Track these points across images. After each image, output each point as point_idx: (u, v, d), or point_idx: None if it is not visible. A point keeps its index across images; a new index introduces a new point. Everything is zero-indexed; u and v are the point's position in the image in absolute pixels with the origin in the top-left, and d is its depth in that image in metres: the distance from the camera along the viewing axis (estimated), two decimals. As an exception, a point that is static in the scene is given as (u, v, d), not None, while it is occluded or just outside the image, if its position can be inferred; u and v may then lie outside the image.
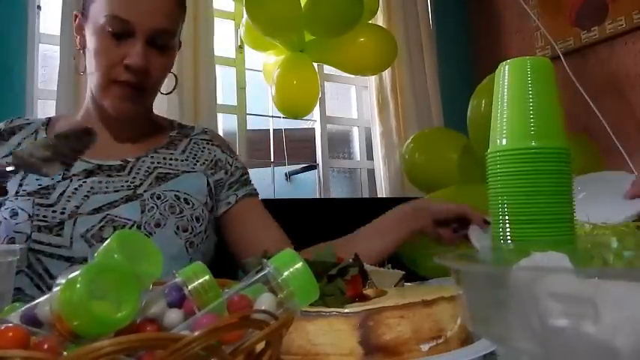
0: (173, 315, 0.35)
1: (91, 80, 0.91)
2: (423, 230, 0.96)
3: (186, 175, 0.97)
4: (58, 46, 1.64)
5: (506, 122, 0.60)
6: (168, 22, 0.89)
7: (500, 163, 0.59)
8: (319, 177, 2.36)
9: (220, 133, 2.01)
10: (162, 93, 1.01)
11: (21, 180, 0.89)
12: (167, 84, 0.99)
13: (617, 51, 2.19)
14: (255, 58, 2.16)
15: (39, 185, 0.88)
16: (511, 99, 0.60)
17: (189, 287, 0.36)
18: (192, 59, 1.84)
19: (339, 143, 2.52)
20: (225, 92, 2.13)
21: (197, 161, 1.01)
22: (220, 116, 2.03)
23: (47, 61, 1.81)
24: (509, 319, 0.27)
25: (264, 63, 2.03)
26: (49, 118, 1.00)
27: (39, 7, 1.78)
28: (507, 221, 0.59)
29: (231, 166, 1.05)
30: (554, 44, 2.13)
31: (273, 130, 2.37)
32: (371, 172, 2.45)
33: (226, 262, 0.99)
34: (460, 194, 1.56)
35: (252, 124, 2.22)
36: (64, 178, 0.89)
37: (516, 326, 0.27)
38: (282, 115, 2.02)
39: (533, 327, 0.25)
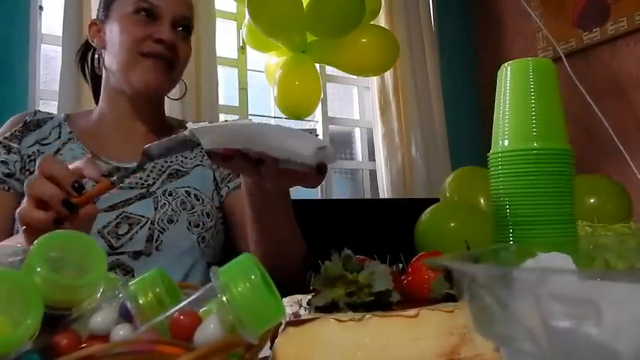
0: (121, 332, 0.33)
1: (117, 62, 0.93)
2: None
3: (195, 170, 1.00)
4: (60, 47, 1.64)
5: (508, 123, 0.60)
6: (189, 11, 0.98)
7: (502, 164, 0.60)
8: (321, 178, 2.35)
9: (222, 133, 2.02)
10: (170, 98, 1.05)
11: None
12: (173, 92, 1.04)
13: (619, 52, 2.19)
14: (257, 59, 2.16)
15: None
16: (513, 100, 0.60)
17: (141, 301, 0.34)
18: (194, 60, 1.84)
19: (340, 144, 2.51)
20: (227, 93, 2.13)
21: (204, 155, 1.03)
22: (222, 117, 2.03)
23: (49, 62, 1.81)
24: (512, 320, 0.27)
25: (266, 64, 2.03)
26: (67, 114, 1.03)
27: (41, 8, 1.78)
28: (509, 222, 0.59)
29: None
30: (555, 45, 2.13)
31: (275, 130, 2.37)
32: (373, 173, 2.45)
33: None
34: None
35: (254, 124, 2.22)
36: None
37: (518, 327, 0.27)
38: (283, 116, 2.02)
39: (535, 328, 0.25)
